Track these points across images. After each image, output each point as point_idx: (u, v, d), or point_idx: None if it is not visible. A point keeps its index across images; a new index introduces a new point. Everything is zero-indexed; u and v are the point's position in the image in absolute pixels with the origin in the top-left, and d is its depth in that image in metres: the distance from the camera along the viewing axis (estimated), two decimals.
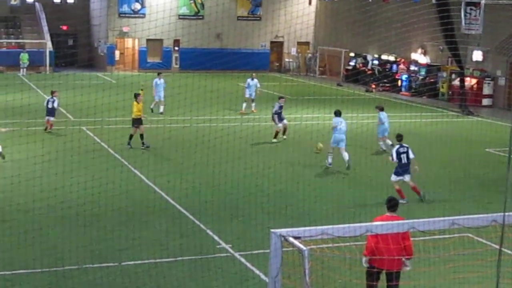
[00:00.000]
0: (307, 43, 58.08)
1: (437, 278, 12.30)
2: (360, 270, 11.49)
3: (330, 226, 8.82)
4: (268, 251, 8.87)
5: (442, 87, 42.99)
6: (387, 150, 24.31)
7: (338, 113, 23.21)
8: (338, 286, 12.36)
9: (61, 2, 57.40)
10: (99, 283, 12.89)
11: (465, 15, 37.68)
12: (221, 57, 52.24)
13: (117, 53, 54.68)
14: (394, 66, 47.58)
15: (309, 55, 57.89)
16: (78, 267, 13.55)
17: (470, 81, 40.75)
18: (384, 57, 48.78)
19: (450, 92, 42.18)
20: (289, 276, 9.09)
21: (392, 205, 11.51)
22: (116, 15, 53.80)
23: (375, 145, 25.86)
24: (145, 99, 26.38)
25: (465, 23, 37.78)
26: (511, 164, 8.62)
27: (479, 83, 40.75)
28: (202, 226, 16.41)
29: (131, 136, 25.28)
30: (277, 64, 58.37)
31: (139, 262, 14.01)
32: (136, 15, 53.67)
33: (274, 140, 26.93)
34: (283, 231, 8.45)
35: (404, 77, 45.89)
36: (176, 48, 55.01)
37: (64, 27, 56.61)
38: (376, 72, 48.87)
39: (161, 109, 33.27)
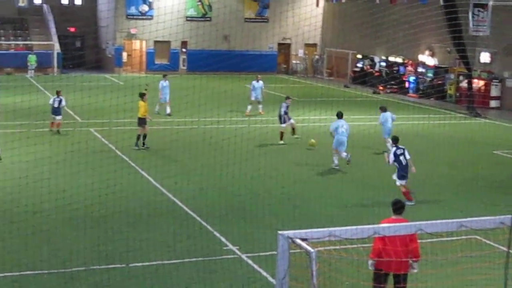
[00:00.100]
0: (314, 45, 58.02)
1: (445, 280, 12.27)
2: (367, 272, 11.47)
3: (338, 228, 8.79)
4: (275, 253, 8.86)
5: (450, 89, 42.91)
6: (387, 152, 24.31)
7: (339, 115, 23.22)
8: None
9: (68, 3, 57.79)
10: (106, 285, 12.90)
11: (472, 17, 37.59)
12: (228, 59, 52.31)
13: (124, 54, 54.75)
14: (402, 68, 47.49)
15: (317, 57, 57.84)
16: (86, 268, 13.58)
17: (477, 83, 40.65)
18: (391, 58, 48.68)
19: (457, 94, 42.11)
20: (296, 278, 9.07)
21: (398, 207, 11.48)
22: (123, 17, 53.89)
23: (382, 146, 25.83)
24: (149, 101, 26.39)
25: (473, 25, 37.67)
26: None
27: (487, 85, 40.65)
28: (209, 227, 16.41)
29: (138, 137, 25.35)
30: (285, 66, 58.34)
31: (147, 263, 14.02)
32: (144, 17, 53.78)
33: (281, 142, 26.92)
34: (290, 232, 8.43)
35: (412, 79, 45.82)
36: (184, 50, 55.01)
37: (72, 29, 56.80)
38: (384, 74, 48.81)
39: (168, 110, 33.30)
